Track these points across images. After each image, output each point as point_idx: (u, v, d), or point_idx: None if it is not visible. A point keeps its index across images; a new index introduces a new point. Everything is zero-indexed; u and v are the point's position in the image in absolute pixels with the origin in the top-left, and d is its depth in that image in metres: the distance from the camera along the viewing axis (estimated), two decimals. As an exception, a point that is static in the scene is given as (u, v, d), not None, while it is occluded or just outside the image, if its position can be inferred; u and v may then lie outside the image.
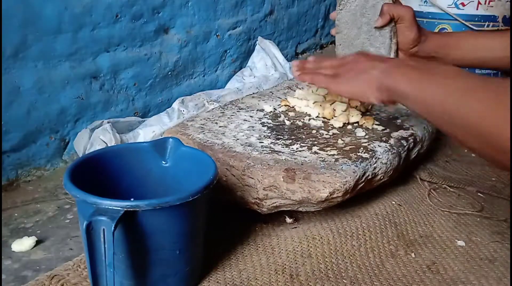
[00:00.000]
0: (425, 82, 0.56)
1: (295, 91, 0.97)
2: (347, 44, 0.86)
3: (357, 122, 0.83)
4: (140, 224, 0.49)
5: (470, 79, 0.53)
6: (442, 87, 0.54)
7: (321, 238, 0.65)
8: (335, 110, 0.84)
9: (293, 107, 0.90)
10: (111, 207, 0.47)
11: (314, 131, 0.79)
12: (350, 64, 0.70)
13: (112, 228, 0.45)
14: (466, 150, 0.96)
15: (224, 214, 0.72)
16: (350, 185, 0.64)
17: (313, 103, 0.87)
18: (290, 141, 0.74)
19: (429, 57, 0.80)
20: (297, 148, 0.71)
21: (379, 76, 0.63)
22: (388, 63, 0.65)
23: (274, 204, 0.67)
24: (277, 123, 0.82)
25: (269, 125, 0.80)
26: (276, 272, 0.59)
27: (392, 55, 0.81)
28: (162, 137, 0.65)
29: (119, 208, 0.47)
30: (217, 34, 1.36)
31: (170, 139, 0.62)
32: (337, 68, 0.72)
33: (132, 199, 0.49)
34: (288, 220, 0.71)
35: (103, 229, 0.46)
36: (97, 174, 0.59)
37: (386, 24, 0.79)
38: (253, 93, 0.99)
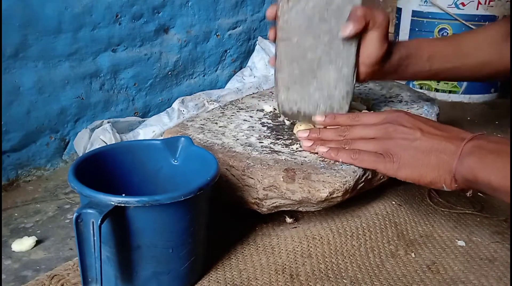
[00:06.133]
0: (507, 168, 0.49)
1: (295, 91, 0.97)
2: (297, 58, 0.67)
3: None
4: (132, 220, 0.50)
5: None
6: None
7: (321, 238, 0.65)
8: None
9: (293, 107, 0.89)
10: (102, 201, 0.48)
11: (314, 131, 0.79)
12: (395, 134, 0.59)
13: (99, 222, 0.46)
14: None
15: (224, 214, 0.72)
16: (350, 185, 0.64)
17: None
18: (290, 141, 0.74)
19: (389, 73, 0.71)
20: (297, 148, 0.71)
21: (452, 163, 0.54)
22: (453, 141, 0.55)
23: (274, 204, 0.67)
24: (277, 123, 0.82)
25: (269, 125, 0.80)
26: (276, 272, 0.59)
27: (354, 77, 0.68)
28: (175, 136, 0.65)
29: (109, 203, 0.48)
30: (217, 34, 1.36)
31: (182, 138, 0.62)
32: (374, 134, 0.62)
33: (123, 195, 0.49)
34: (288, 220, 0.71)
35: (93, 222, 0.46)
36: (107, 169, 0.59)
37: (357, 33, 0.63)
38: (253, 93, 0.99)
